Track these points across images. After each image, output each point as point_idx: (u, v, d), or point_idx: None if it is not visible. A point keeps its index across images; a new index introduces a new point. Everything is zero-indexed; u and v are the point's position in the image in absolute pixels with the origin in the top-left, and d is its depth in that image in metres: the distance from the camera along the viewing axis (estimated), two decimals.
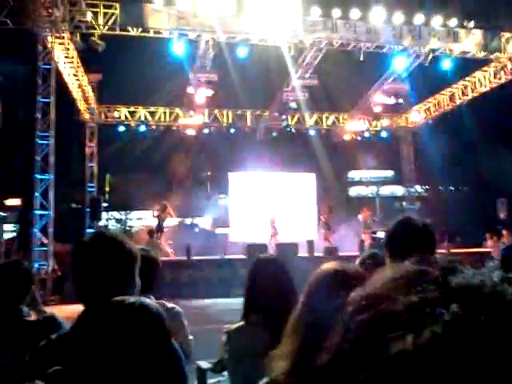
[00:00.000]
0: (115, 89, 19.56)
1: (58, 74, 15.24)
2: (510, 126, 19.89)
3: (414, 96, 19.84)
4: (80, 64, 16.44)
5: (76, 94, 17.87)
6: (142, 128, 20.87)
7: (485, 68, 17.89)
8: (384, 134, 23.55)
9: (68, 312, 5.45)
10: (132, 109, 20.73)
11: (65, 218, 19.87)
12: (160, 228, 17.03)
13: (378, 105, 20.36)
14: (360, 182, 35.09)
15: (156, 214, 17.49)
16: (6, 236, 19.72)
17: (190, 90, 17.43)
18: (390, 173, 33.45)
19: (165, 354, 1.41)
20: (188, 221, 26.88)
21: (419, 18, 15.24)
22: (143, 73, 18.85)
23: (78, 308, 1.73)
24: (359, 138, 23.57)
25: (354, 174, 34.93)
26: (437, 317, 0.44)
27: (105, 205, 24.26)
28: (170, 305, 2.95)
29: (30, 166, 14.89)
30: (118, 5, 13.63)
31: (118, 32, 14.11)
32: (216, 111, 21.43)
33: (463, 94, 19.50)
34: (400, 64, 16.28)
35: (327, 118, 22.98)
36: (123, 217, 29.39)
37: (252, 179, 22.54)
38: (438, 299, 0.45)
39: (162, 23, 13.92)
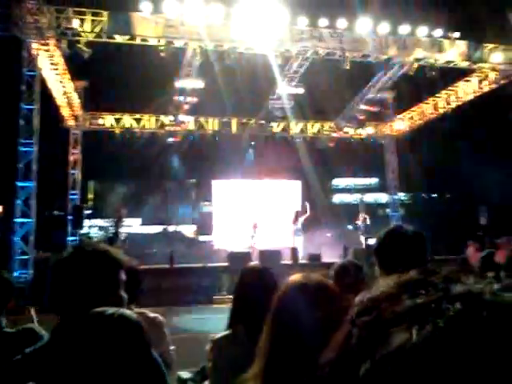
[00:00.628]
0: (101, 96, 19.46)
1: (43, 81, 15.13)
2: (492, 135, 20.18)
3: (398, 104, 20.06)
4: (66, 71, 16.32)
5: (61, 100, 17.73)
6: (127, 135, 20.75)
7: (468, 78, 18.17)
8: (368, 142, 23.74)
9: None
10: (117, 116, 20.61)
11: (47, 226, 19.63)
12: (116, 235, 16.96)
13: (363, 113, 20.56)
14: (344, 190, 35.29)
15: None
16: None
17: (175, 97, 17.42)
18: (373, 180, 33.71)
19: (145, 365, 1.38)
20: (171, 228, 26.74)
21: (404, 29, 15.42)
22: (129, 80, 18.77)
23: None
24: (344, 146, 23.76)
25: (338, 182, 35.13)
26: (441, 312, 0.46)
27: (88, 212, 24.06)
28: (151, 314, 2.91)
29: (12, 173, 14.72)
30: (105, 12, 13.58)
31: (104, 39, 14.04)
32: (201, 119, 21.42)
33: (447, 102, 19.75)
34: (386, 73, 16.45)
35: (313, 125, 23.10)
36: (106, 224, 29.14)
37: (236, 187, 22.55)
38: (441, 300, 0.48)
39: (149, 31, 13.89)
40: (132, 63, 16.78)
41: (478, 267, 4.96)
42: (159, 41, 14.32)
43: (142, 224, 28.35)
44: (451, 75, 17.58)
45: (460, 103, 19.12)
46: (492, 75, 17.01)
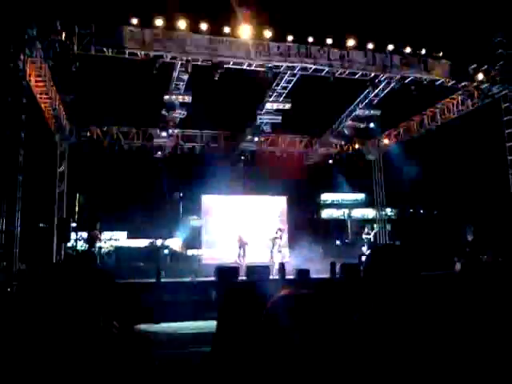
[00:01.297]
0: (88, 109, 19.39)
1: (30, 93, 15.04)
2: (476, 154, 20.40)
3: (385, 121, 20.25)
4: (52, 83, 16.27)
5: (47, 113, 17.64)
6: (115, 149, 20.67)
7: (453, 96, 18.43)
8: (356, 158, 23.91)
9: None
10: (104, 129, 20.54)
11: (31, 238, 19.40)
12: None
13: (350, 129, 20.75)
14: (332, 205, 35.40)
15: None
16: None
17: (163, 111, 17.44)
18: (360, 196, 33.87)
19: None
20: (158, 242, 26.56)
21: (391, 47, 15.64)
22: (117, 93, 18.75)
23: None
24: (331, 162, 23.92)
25: (325, 197, 35.24)
26: None
27: (74, 225, 23.83)
28: (137, 330, 2.88)
29: None
30: (93, 25, 13.58)
31: (92, 52, 14.02)
32: (189, 133, 21.43)
33: (432, 120, 19.98)
34: (372, 90, 16.63)
35: (300, 141, 23.23)
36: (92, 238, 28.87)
37: (224, 202, 22.55)
38: None
39: (137, 45, 13.92)
40: (120, 77, 16.77)
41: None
42: (147, 55, 14.34)
43: (129, 237, 28.17)
44: (437, 93, 17.80)
45: (445, 121, 19.37)
46: (476, 94, 17.25)
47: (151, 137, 20.69)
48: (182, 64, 14.80)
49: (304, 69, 15.58)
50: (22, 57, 13.35)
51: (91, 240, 17.12)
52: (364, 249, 19.64)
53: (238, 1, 14.16)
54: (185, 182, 22.76)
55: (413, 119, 21.20)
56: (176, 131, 20.19)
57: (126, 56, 14.26)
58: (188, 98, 16.62)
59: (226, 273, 15.59)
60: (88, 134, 20.27)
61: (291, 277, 16.43)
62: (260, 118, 18.89)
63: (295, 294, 1.77)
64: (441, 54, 16.17)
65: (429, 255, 19.97)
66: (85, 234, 27.15)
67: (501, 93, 16.73)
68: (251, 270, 16.37)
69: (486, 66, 16.53)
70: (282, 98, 17.62)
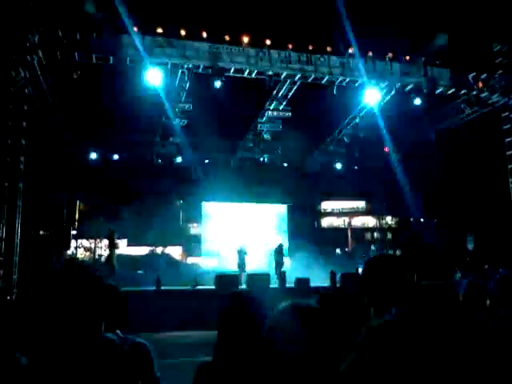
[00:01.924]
0: (89, 116, 19.39)
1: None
2: (477, 162, 20.38)
3: (385, 129, 20.24)
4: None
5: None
6: (115, 157, 20.72)
7: (453, 104, 18.46)
8: (356, 166, 23.92)
9: None
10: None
11: (31, 246, 19.36)
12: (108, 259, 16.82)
13: (349, 137, 20.78)
14: (332, 213, 35.33)
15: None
16: None
17: (164, 119, 17.50)
18: (361, 204, 33.80)
19: None
20: (158, 250, 26.49)
21: (391, 55, 15.69)
22: (119, 101, 18.77)
23: None
24: (331, 170, 23.93)
25: (326, 205, 35.20)
26: None
27: (74, 232, 23.79)
28: (137, 340, 2.84)
29: None
30: (95, 33, 13.63)
31: (93, 60, 14.07)
32: (190, 140, 21.45)
33: (431, 127, 20.00)
34: (372, 98, 16.61)
35: (301, 148, 23.23)
36: (92, 245, 28.83)
37: (225, 209, 22.54)
38: None
39: (138, 53, 13.97)
40: (121, 85, 16.80)
41: (462, 294, 4.94)
42: (147, 62, 14.36)
43: (129, 245, 28.11)
44: (437, 101, 17.81)
45: (445, 128, 19.41)
46: (476, 102, 17.29)
47: (152, 144, 20.72)
48: (182, 72, 14.85)
49: (304, 77, 15.62)
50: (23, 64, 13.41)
51: (111, 247, 17.15)
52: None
53: None
54: (185, 189, 22.72)
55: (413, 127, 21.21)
56: (176, 139, 20.22)
57: (127, 64, 14.29)
58: (189, 106, 16.67)
59: (226, 281, 15.53)
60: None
61: (291, 285, 16.36)
62: (260, 126, 18.94)
63: (299, 307, 1.75)
64: (440, 62, 16.25)
65: (429, 264, 19.94)
66: (85, 242, 27.12)
67: (500, 101, 16.75)
68: (251, 278, 16.31)
69: (485, 75, 16.57)
70: (282, 106, 17.67)
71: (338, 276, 16.75)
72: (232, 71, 15.00)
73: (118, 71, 15.06)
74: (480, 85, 16.55)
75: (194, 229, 26.21)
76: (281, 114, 17.89)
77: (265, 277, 16.27)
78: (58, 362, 1.37)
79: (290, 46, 15.04)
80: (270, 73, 15.18)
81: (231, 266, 19.06)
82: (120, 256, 24.32)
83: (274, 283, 16.76)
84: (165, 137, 19.32)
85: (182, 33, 14.08)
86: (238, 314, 2.38)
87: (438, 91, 16.62)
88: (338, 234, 30.78)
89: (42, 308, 1.69)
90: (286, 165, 23.13)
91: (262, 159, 22.61)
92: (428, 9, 15.58)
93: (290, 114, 17.79)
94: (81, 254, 27.58)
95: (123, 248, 27.25)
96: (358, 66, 15.60)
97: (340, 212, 34.01)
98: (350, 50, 15.38)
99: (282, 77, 15.68)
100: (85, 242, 28.43)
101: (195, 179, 21.61)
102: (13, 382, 1.75)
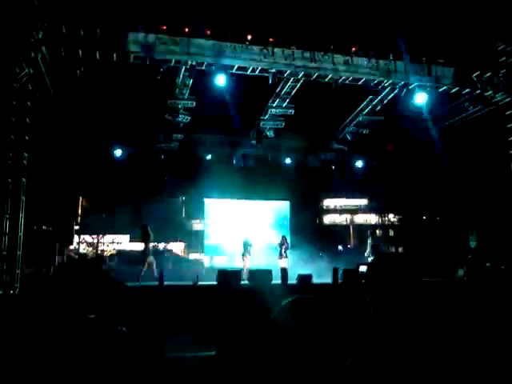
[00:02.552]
0: (90, 112, 19.43)
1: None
2: (480, 160, 20.35)
3: (388, 127, 20.25)
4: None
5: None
6: (118, 152, 20.76)
7: (456, 103, 18.43)
8: (359, 164, 23.92)
9: None
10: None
11: (34, 241, 19.45)
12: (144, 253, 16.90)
13: (352, 135, 20.79)
14: (334, 210, 35.35)
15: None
16: None
17: (167, 115, 17.53)
18: (363, 201, 33.83)
19: None
20: (161, 246, 26.57)
21: (394, 53, 15.68)
22: (121, 98, 18.81)
23: None
24: (334, 167, 23.95)
25: (328, 202, 35.22)
26: None
27: (76, 228, 23.91)
28: (141, 334, 2.89)
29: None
30: (99, 30, 13.65)
31: (97, 57, 14.09)
32: (193, 137, 21.50)
33: (434, 125, 19.94)
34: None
35: (303, 146, 23.26)
36: (95, 241, 28.94)
37: (227, 206, 22.60)
38: None
39: (142, 50, 13.99)
40: (124, 81, 16.83)
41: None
42: (152, 59, 14.37)
43: (131, 241, 28.17)
44: (440, 98, 17.77)
45: (449, 127, 19.38)
46: (480, 100, 17.26)
47: (155, 141, 20.76)
48: (186, 69, 14.86)
49: (308, 75, 15.61)
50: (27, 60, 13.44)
51: (146, 241, 17.28)
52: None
53: None
54: (188, 185, 22.77)
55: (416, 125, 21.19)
56: (180, 136, 20.25)
57: (131, 61, 14.30)
58: (192, 103, 16.71)
59: (228, 277, 15.57)
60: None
61: (293, 282, 16.40)
62: (263, 123, 18.96)
63: (302, 299, 1.80)
64: (444, 60, 16.22)
65: (431, 261, 19.97)
66: (88, 238, 27.20)
67: (504, 100, 16.72)
68: (253, 274, 16.35)
69: (489, 74, 16.54)
70: (285, 104, 17.69)
71: (340, 272, 16.78)
72: (235, 68, 15.01)
73: (121, 68, 15.09)
74: (484, 83, 16.52)
75: (196, 225, 26.29)
76: (284, 111, 17.91)
77: (267, 273, 16.30)
78: (62, 356, 1.41)
79: (294, 44, 15.03)
80: (274, 70, 15.19)
81: (234, 262, 19.13)
82: (122, 252, 24.42)
83: (276, 279, 16.80)
84: (168, 133, 19.34)
85: (186, 30, 14.09)
86: (241, 308, 2.42)
87: (442, 90, 16.59)
88: (339, 230, 30.83)
89: (49, 301, 1.73)
90: (288, 162, 23.15)
91: (265, 156, 22.65)
92: (431, 7, 15.54)
93: (292, 111, 17.81)
94: (83, 249, 27.68)
95: (125, 244, 27.33)
96: (362, 64, 15.59)
97: (342, 209, 34.06)
98: (354, 49, 15.37)
99: (286, 74, 15.69)
100: (87, 238, 28.54)
101: (198, 176, 21.64)
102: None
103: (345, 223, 32.66)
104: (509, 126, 16.75)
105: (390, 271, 2.14)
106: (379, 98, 17.69)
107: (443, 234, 25.27)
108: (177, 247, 26.37)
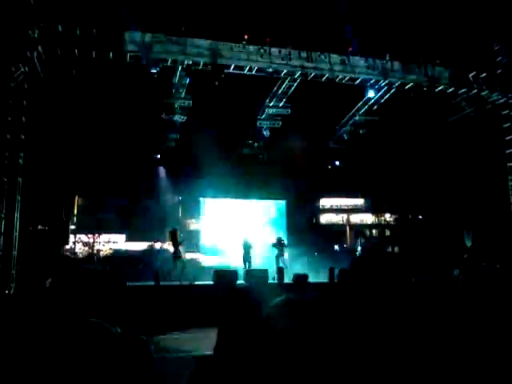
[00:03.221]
0: (88, 111, 19.39)
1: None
2: (476, 160, 20.41)
3: (385, 127, 20.27)
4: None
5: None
6: (114, 151, 20.67)
7: (453, 103, 18.45)
8: (355, 164, 23.94)
9: None
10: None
11: (30, 240, 19.39)
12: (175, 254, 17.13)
13: (349, 135, 20.81)
14: (331, 210, 35.37)
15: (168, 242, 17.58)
16: None
17: (163, 115, 17.51)
18: (360, 201, 33.86)
19: None
20: (157, 246, 26.51)
21: (391, 53, 15.70)
22: (117, 97, 18.76)
23: None
24: (330, 167, 23.98)
25: (324, 202, 35.23)
26: None
27: (72, 227, 23.83)
28: (136, 335, 2.86)
29: None
30: (95, 29, 13.62)
31: (93, 56, 14.05)
32: (189, 136, 21.44)
33: (432, 124, 19.99)
34: (371, 96, 16.64)
35: (300, 145, 23.25)
36: (91, 240, 28.86)
37: (224, 205, 22.58)
38: None
39: (138, 48, 13.96)
40: (120, 80, 16.79)
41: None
42: (148, 58, 14.34)
43: (127, 240, 28.10)
44: (436, 98, 17.80)
45: (445, 127, 19.42)
46: (476, 99, 17.30)
47: (151, 140, 20.72)
48: (182, 68, 14.84)
49: (305, 74, 15.61)
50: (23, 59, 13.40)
51: (176, 245, 17.45)
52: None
53: None
54: (184, 185, 22.75)
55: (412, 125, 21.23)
56: (176, 135, 20.23)
57: (127, 60, 14.28)
58: (188, 103, 16.70)
59: (224, 276, 15.56)
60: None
61: (289, 281, 16.39)
62: (260, 123, 18.96)
63: (294, 300, 1.83)
64: (440, 61, 16.26)
65: (427, 261, 20.02)
66: (83, 237, 27.11)
67: (500, 100, 16.78)
68: (250, 273, 16.35)
69: (485, 74, 16.59)
70: (282, 103, 17.68)
71: (336, 272, 16.78)
72: (232, 68, 15.01)
73: (117, 67, 15.06)
74: (480, 83, 16.56)
75: (192, 225, 26.24)
76: (280, 111, 17.92)
77: (263, 272, 16.30)
78: (58, 355, 1.40)
79: (291, 44, 15.03)
80: (270, 70, 15.19)
81: (231, 262, 19.11)
82: (118, 251, 24.37)
83: (273, 279, 16.81)
84: (164, 132, 19.32)
85: (183, 30, 14.08)
86: (238, 307, 2.41)
87: (438, 90, 16.62)
88: (336, 230, 30.86)
89: (42, 302, 1.73)
90: (285, 161, 23.20)
91: (261, 156, 22.64)
92: (428, 8, 15.57)
93: (289, 110, 17.81)
94: (79, 248, 27.60)
95: (121, 243, 27.28)
96: (359, 64, 15.61)
97: (339, 209, 34.07)
98: (351, 48, 15.39)
99: (282, 74, 15.70)
100: (83, 237, 28.45)
101: (194, 175, 21.61)
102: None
103: (341, 223, 32.66)
104: (505, 125, 16.81)
105: (371, 274, 2.16)
106: (376, 97, 17.70)
107: (439, 234, 25.32)
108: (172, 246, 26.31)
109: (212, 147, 21.99)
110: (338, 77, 15.62)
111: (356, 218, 33.10)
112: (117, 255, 23.08)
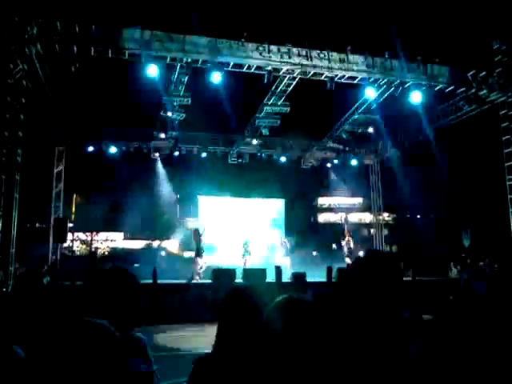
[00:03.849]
0: (85, 109, 19.35)
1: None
2: (474, 159, 20.49)
3: (383, 126, 20.26)
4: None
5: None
6: (112, 149, 20.68)
7: (451, 102, 18.45)
8: (354, 163, 23.94)
9: None
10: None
11: (28, 239, 19.35)
12: (197, 252, 17.49)
13: (348, 133, 20.79)
14: (329, 209, 35.37)
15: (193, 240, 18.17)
16: None
17: (162, 112, 17.44)
18: (358, 200, 33.87)
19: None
20: (155, 244, 26.50)
21: (391, 51, 15.68)
22: (116, 95, 18.73)
23: None
24: (329, 166, 23.96)
25: (323, 201, 35.25)
26: None
27: (70, 225, 23.79)
28: (136, 334, 2.84)
29: None
30: (94, 26, 13.55)
31: (92, 53, 13.98)
32: (188, 135, 21.44)
33: (430, 125, 20.01)
34: (371, 94, 16.60)
35: (299, 144, 23.26)
36: (89, 238, 28.85)
37: (222, 203, 22.53)
38: None
39: (137, 46, 13.90)
40: (118, 77, 16.75)
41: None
42: (147, 56, 14.26)
43: (125, 238, 28.09)
44: (436, 99, 17.78)
45: (444, 126, 19.42)
46: (475, 100, 17.27)
47: (149, 138, 20.68)
48: (181, 66, 14.78)
49: (304, 73, 15.57)
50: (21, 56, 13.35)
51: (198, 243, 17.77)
52: (348, 259, 19.54)
53: None
54: (183, 183, 22.73)
55: (410, 124, 21.24)
56: (174, 133, 20.19)
57: (126, 57, 14.21)
58: (187, 100, 16.64)
59: (222, 275, 15.56)
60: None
61: (288, 280, 16.40)
62: (259, 121, 18.91)
63: (296, 299, 1.83)
64: (439, 59, 16.23)
65: (425, 260, 20.06)
66: (81, 235, 27.06)
67: (499, 99, 16.75)
68: (248, 272, 16.35)
69: (484, 73, 16.57)
70: (280, 102, 17.62)
71: (334, 271, 16.79)
72: (231, 66, 14.96)
73: (116, 64, 15.01)
74: (479, 82, 16.54)
75: (190, 223, 26.21)
76: (279, 109, 17.85)
77: (261, 271, 16.30)
78: (54, 353, 1.38)
79: (290, 42, 14.99)
80: (270, 68, 15.14)
81: (228, 261, 19.09)
82: (116, 249, 24.36)
83: (271, 278, 16.82)
84: (163, 131, 19.27)
85: (182, 27, 14.03)
86: (239, 305, 2.39)
87: (437, 88, 16.60)
88: (334, 229, 30.88)
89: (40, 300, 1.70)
90: (283, 160, 23.16)
91: (259, 154, 22.61)
92: (428, 7, 15.56)
93: (288, 109, 17.74)
94: (77, 246, 27.57)
95: (119, 241, 27.28)
96: (358, 62, 15.57)
97: (337, 208, 34.07)
98: (349, 47, 15.35)
99: (282, 72, 15.64)
100: (81, 235, 28.44)
101: (192, 174, 21.60)
102: (10, 374, 1.75)
103: (339, 222, 32.67)
104: (503, 125, 16.78)
105: (374, 270, 2.17)
106: (375, 96, 17.63)
107: (437, 233, 25.35)
108: (171, 245, 26.29)
109: (210, 145, 21.96)
110: (337, 75, 15.57)
111: (354, 217, 33.12)
112: (115, 253, 23.04)
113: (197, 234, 17.95)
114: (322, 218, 34.71)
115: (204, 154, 22.11)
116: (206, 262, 17.67)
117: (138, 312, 1.72)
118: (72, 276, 13.18)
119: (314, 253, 21.45)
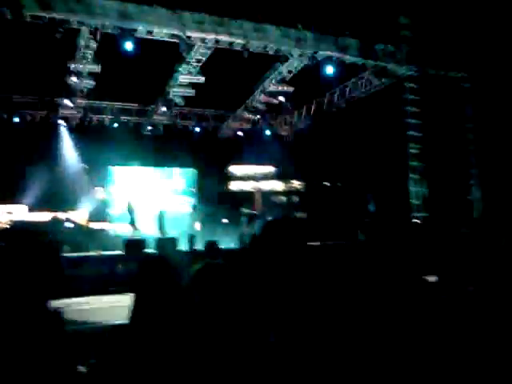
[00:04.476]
0: None
1: None
2: (381, 129, 21.35)
3: (297, 98, 20.64)
4: None
5: None
6: (16, 119, 19.58)
7: (362, 75, 19.11)
8: (268, 133, 24.32)
9: None
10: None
11: None
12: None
13: (263, 104, 20.95)
14: (240, 178, 35.62)
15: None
16: None
17: (69, 80, 16.56)
18: (270, 169, 34.39)
19: None
20: (61, 215, 25.40)
21: (303, 23, 15.87)
22: (17, 58, 17.46)
23: None
24: (242, 135, 24.12)
25: (234, 170, 35.42)
26: None
27: None
28: (52, 305, 2.79)
29: None
30: None
31: None
32: (98, 104, 20.64)
33: (342, 97, 20.69)
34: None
35: (213, 115, 23.19)
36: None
37: (134, 174, 22.11)
38: None
39: (39, 6, 13.00)
40: (20, 40, 15.63)
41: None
42: (51, 19, 13.40)
43: (30, 211, 26.70)
44: (347, 71, 18.27)
45: (354, 99, 20.14)
46: (383, 74, 17.98)
47: (56, 106, 19.68)
48: (90, 31, 14.04)
49: (218, 41, 15.39)
50: None
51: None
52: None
53: None
54: (93, 154, 21.82)
55: (324, 97, 21.79)
56: (84, 102, 19.34)
57: (28, 20, 13.26)
58: (97, 68, 15.91)
59: (134, 246, 15.34)
60: None
61: (199, 248, 16.48)
62: (172, 91, 18.52)
63: (213, 264, 1.91)
64: (349, 32, 16.66)
65: (333, 226, 20.87)
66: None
67: (406, 73, 17.54)
68: (159, 242, 16.21)
69: (391, 46, 17.22)
70: (195, 71, 17.30)
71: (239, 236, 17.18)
72: (143, 32, 14.45)
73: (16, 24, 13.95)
74: (387, 57, 17.19)
75: (100, 193, 25.39)
76: (194, 79, 17.56)
77: (172, 240, 16.23)
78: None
79: (203, 9, 14.70)
80: (183, 35, 14.79)
81: (141, 232, 18.86)
82: (20, 222, 23.11)
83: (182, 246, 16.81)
84: (70, 98, 18.37)
85: None
86: (154, 273, 2.41)
87: (348, 62, 17.06)
88: (245, 197, 31.19)
89: None
90: (198, 130, 23.04)
91: (174, 125, 22.31)
92: None
93: (203, 79, 17.47)
94: None
95: (24, 214, 25.88)
96: (271, 32, 15.63)
97: (249, 176, 34.40)
98: (264, 16, 15.34)
99: (195, 40, 15.35)
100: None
101: (103, 144, 20.82)
102: None
103: (251, 190, 33.05)
104: (409, 97, 17.67)
105: (280, 238, 2.28)
106: (288, 67, 17.82)
107: (345, 199, 26.39)
108: (79, 216, 25.33)
109: (122, 115, 21.30)
110: (251, 45, 15.54)
111: (266, 186, 33.65)
112: (17, 227, 21.88)
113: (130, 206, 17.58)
114: (234, 186, 34.96)
115: (116, 125, 21.48)
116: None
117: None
118: None
119: (225, 220, 21.64)
